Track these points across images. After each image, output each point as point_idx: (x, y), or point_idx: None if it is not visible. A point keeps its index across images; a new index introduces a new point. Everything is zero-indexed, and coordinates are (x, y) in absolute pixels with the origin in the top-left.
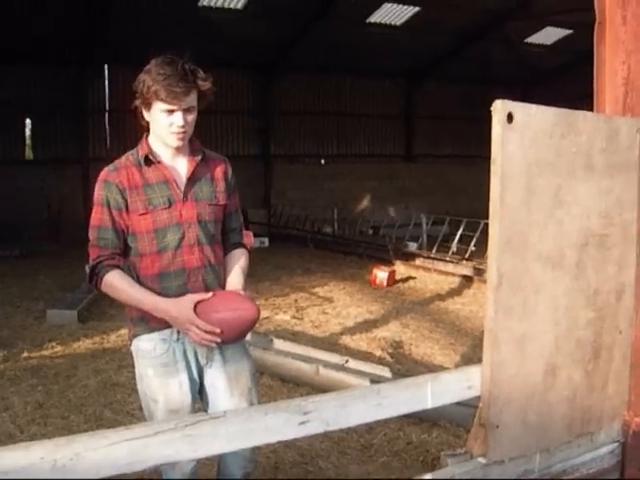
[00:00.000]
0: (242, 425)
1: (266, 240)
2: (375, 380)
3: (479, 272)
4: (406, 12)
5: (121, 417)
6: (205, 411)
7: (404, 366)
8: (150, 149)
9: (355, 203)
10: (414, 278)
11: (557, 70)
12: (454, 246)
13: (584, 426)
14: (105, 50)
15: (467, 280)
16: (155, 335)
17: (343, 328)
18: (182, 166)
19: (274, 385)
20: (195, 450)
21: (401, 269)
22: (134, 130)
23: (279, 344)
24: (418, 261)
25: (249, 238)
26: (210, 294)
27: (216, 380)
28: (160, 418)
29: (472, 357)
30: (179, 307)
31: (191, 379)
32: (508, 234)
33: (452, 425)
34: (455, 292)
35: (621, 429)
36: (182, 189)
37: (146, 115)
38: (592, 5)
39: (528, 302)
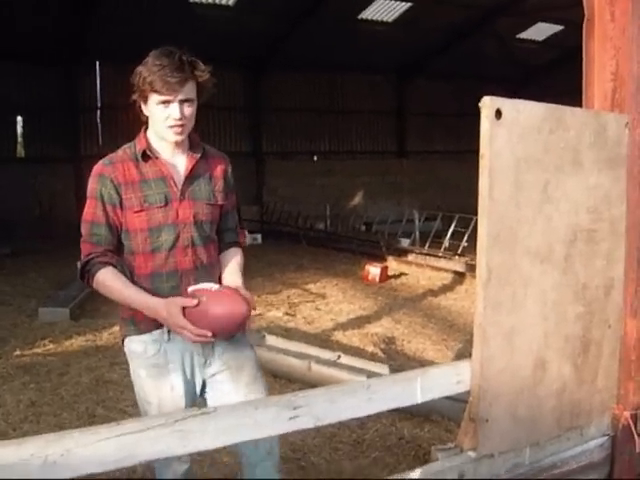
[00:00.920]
0: (232, 420)
1: (259, 237)
2: (369, 376)
3: (471, 268)
4: (398, 8)
5: (114, 414)
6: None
7: (396, 362)
8: (148, 144)
9: (347, 199)
10: (406, 274)
11: (548, 66)
12: (446, 242)
13: (574, 420)
14: (96, 47)
15: (459, 276)
16: (146, 337)
17: (335, 324)
18: (181, 163)
19: (267, 381)
20: (185, 445)
21: (393, 265)
22: (126, 127)
23: (271, 340)
24: (410, 257)
25: (242, 236)
26: (195, 301)
27: (218, 374)
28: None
29: (464, 352)
30: (168, 308)
31: (185, 380)
32: (497, 229)
33: (444, 420)
34: (447, 288)
35: (610, 423)
36: (179, 187)
37: (144, 109)
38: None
39: (517, 297)
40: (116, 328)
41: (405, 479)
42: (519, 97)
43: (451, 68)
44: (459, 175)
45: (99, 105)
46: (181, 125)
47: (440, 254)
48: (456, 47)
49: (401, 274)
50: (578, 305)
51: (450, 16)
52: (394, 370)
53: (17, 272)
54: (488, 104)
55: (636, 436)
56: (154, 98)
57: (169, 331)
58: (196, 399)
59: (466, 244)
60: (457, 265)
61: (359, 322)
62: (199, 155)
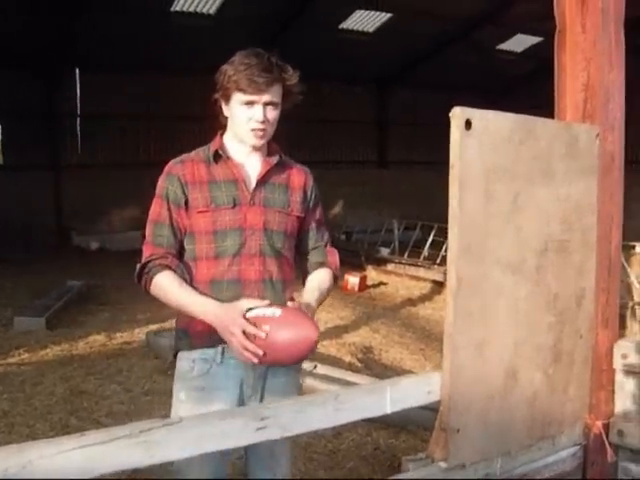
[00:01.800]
0: (198, 431)
1: None
2: (345, 386)
3: None
4: (378, 19)
5: (87, 424)
6: (245, 449)
7: (373, 371)
8: (222, 145)
9: (328, 209)
10: (385, 283)
11: (527, 76)
12: (425, 251)
13: (545, 429)
14: (76, 55)
15: (438, 285)
16: (196, 354)
17: None
18: (254, 167)
19: None
20: (151, 456)
21: (373, 274)
22: (106, 135)
23: None
24: (390, 266)
25: (333, 256)
26: (266, 302)
27: None
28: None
29: (442, 362)
30: (228, 309)
31: None
32: (467, 240)
33: (420, 429)
34: (426, 297)
35: (582, 432)
36: (250, 191)
37: (225, 109)
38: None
39: (488, 307)
40: (92, 337)
41: None
42: (498, 107)
43: (432, 78)
44: (439, 185)
45: (79, 113)
46: (263, 129)
47: (419, 263)
48: (436, 58)
49: (380, 283)
50: (549, 315)
51: (430, 27)
52: (371, 380)
53: None
54: (458, 114)
55: (608, 445)
56: (238, 97)
57: (223, 352)
58: None
59: (445, 254)
60: (436, 274)
61: (337, 331)
62: (275, 161)
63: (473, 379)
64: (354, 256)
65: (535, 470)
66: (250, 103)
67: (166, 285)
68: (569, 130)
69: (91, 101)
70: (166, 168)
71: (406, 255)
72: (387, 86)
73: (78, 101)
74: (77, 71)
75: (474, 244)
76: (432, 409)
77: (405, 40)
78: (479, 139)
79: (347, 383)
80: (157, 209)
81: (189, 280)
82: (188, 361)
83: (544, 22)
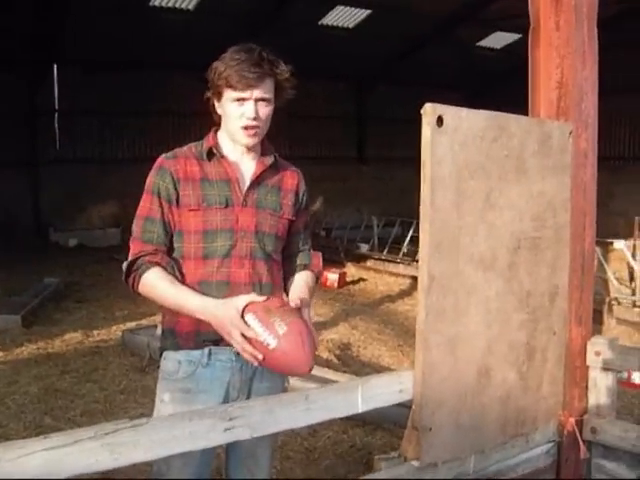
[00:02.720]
0: (165, 432)
1: None
2: (322, 384)
3: None
4: (358, 15)
5: (62, 424)
6: (227, 450)
7: (351, 368)
8: (216, 142)
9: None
10: (365, 280)
11: (506, 73)
12: (405, 248)
13: (519, 427)
14: (54, 50)
15: (417, 281)
16: (182, 355)
17: None
18: (248, 167)
19: None
20: (116, 459)
21: (352, 271)
22: (85, 131)
23: None
24: (369, 263)
25: (317, 259)
26: (263, 297)
27: None
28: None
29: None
30: (226, 307)
31: None
32: (439, 237)
33: (396, 427)
34: (405, 293)
35: (556, 429)
36: (243, 192)
37: (217, 106)
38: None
39: (460, 305)
40: (68, 335)
41: None
42: (479, 104)
43: (411, 75)
44: (419, 182)
45: (57, 109)
46: (255, 126)
47: (398, 260)
48: (416, 54)
49: (359, 280)
50: (522, 312)
51: (409, 23)
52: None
53: None
54: (429, 111)
55: (581, 442)
56: (229, 94)
57: (210, 353)
58: None
59: None
60: (415, 271)
61: (315, 328)
62: (270, 162)
63: (445, 377)
64: (333, 252)
65: (509, 468)
66: (241, 100)
67: (156, 283)
68: (542, 127)
69: (69, 97)
70: (157, 162)
71: (385, 251)
72: (367, 82)
73: (56, 97)
74: (55, 67)
75: (446, 241)
76: (409, 406)
77: (385, 36)
78: (451, 136)
79: (324, 381)
80: (147, 204)
81: (180, 277)
82: (174, 362)
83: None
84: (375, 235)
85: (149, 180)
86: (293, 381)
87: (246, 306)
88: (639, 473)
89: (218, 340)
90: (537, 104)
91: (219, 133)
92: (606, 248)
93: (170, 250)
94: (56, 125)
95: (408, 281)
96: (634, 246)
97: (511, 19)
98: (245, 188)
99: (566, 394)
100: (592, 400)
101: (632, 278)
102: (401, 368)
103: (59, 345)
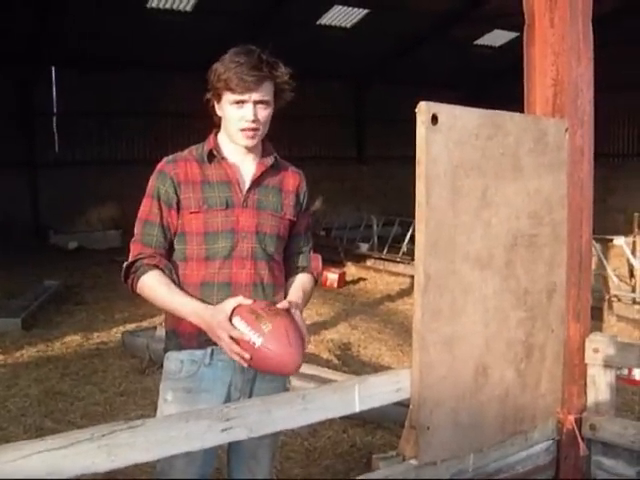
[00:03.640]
0: (161, 433)
1: None
2: (321, 383)
3: None
4: (355, 14)
5: (62, 426)
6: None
7: (351, 368)
8: (216, 145)
9: None
10: (365, 279)
11: (504, 72)
12: (404, 247)
13: (517, 425)
14: (53, 52)
15: None
16: (185, 354)
17: None
18: (249, 168)
19: None
20: (113, 460)
21: (352, 270)
22: (84, 133)
23: None
24: (369, 262)
25: (317, 262)
26: (250, 300)
27: None
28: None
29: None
30: (215, 312)
31: None
32: (435, 236)
33: (396, 426)
34: (405, 293)
35: (555, 427)
36: (244, 193)
37: (217, 108)
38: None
39: (456, 303)
40: (69, 338)
41: None
42: (476, 103)
43: (409, 74)
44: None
45: (55, 111)
46: (254, 129)
47: (398, 259)
48: (414, 53)
49: (359, 279)
50: (520, 310)
51: (407, 22)
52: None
53: None
54: (424, 109)
55: (580, 440)
56: (228, 97)
57: (212, 353)
58: None
59: None
60: (415, 271)
61: (315, 328)
62: (270, 163)
63: (443, 376)
64: (333, 252)
65: (508, 466)
66: (240, 102)
67: (153, 285)
68: (538, 124)
69: (68, 98)
70: (158, 166)
71: (385, 251)
72: (365, 81)
73: (54, 99)
74: (53, 69)
75: (442, 240)
76: (407, 405)
77: (382, 36)
78: (446, 134)
79: (323, 380)
80: (147, 208)
81: (178, 280)
82: (176, 361)
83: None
84: (375, 234)
85: (150, 184)
86: (294, 381)
87: (234, 309)
88: (638, 470)
89: None
90: (533, 101)
91: (219, 135)
92: (606, 245)
93: (170, 252)
94: (54, 127)
95: (408, 280)
96: (634, 243)
97: (509, 17)
98: (245, 189)
99: (565, 391)
100: (591, 397)
101: (632, 275)
102: (400, 367)
103: (59, 347)
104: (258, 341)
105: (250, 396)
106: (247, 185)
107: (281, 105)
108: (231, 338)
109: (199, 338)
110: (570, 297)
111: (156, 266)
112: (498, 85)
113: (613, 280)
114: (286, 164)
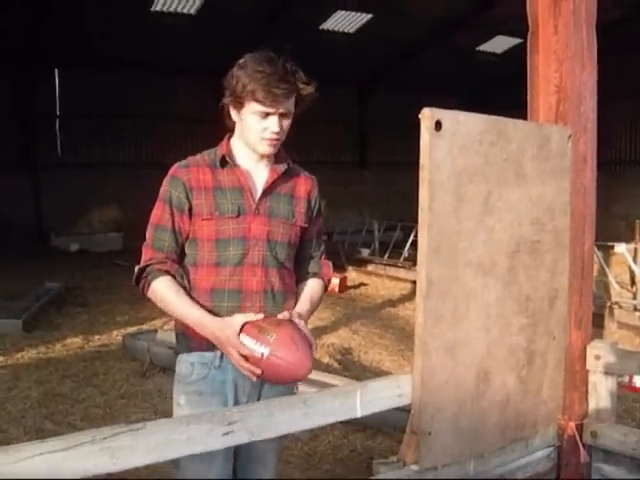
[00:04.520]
0: (163, 436)
1: None
2: (322, 388)
3: None
4: (359, 19)
5: (62, 428)
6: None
7: (351, 372)
8: (229, 150)
9: None
10: (366, 284)
11: (507, 78)
12: (406, 252)
13: (519, 431)
14: (56, 54)
15: None
16: (195, 356)
17: None
18: (261, 175)
19: None
20: (115, 463)
21: (353, 275)
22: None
23: None
24: (370, 267)
25: (327, 268)
26: (261, 316)
27: None
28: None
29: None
30: (223, 326)
31: None
32: (437, 242)
33: (397, 431)
34: (406, 298)
35: (556, 433)
36: (256, 200)
37: (234, 115)
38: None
39: (458, 309)
40: (69, 340)
41: None
42: (479, 109)
43: (412, 80)
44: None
45: (58, 113)
46: (277, 139)
47: (399, 264)
48: (416, 59)
49: (360, 284)
50: (522, 317)
51: (410, 28)
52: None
53: None
54: (428, 115)
55: (581, 446)
56: (252, 107)
57: (222, 356)
58: None
59: None
60: (416, 275)
61: (316, 333)
62: (282, 170)
63: (444, 382)
64: (335, 257)
65: (509, 472)
66: (265, 114)
67: (163, 292)
68: (541, 131)
69: (70, 100)
70: (170, 171)
71: (386, 256)
72: (368, 87)
73: (57, 100)
74: (56, 71)
75: (444, 246)
76: (408, 411)
77: (385, 41)
78: (449, 140)
79: (324, 385)
80: (159, 212)
81: (188, 286)
82: (187, 364)
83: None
84: (376, 239)
85: (162, 189)
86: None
87: (243, 326)
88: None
89: None
90: (536, 108)
91: (232, 140)
92: (607, 252)
93: (181, 257)
94: (57, 128)
95: (409, 285)
96: (635, 250)
97: (512, 23)
98: (257, 196)
99: (566, 398)
100: (592, 404)
101: (633, 282)
102: (401, 372)
103: (60, 350)
104: (266, 351)
105: (258, 399)
106: (259, 192)
107: (300, 112)
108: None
109: (209, 340)
110: (572, 304)
111: (167, 272)
112: (501, 91)
113: (614, 287)
114: (299, 169)
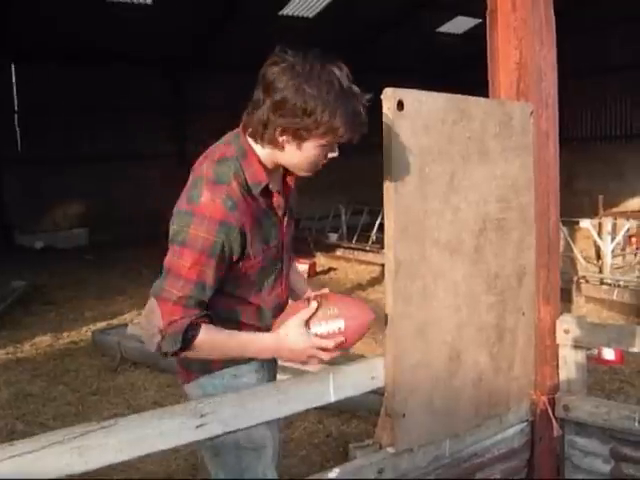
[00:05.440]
0: (135, 432)
1: None
2: (295, 375)
3: None
4: (318, 4)
5: (34, 429)
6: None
7: None
8: (265, 176)
9: None
10: (335, 269)
11: (468, 58)
12: (373, 235)
13: (492, 408)
14: (10, 47)
15: None
16: (217, 377)
17: None
18: (279, 186)
19: None
20: (87, 462)
21: (322, 260)
22: (46, 130)
23: None
24: (339, 252)
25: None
26: (314, 304)
27: None
28: (268, 468)
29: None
30: (291, 334)
31: None
32: (404, 222)
33: (371, 414)
34: (375, 281)
35: (529, 408)
36: (284, 219)
37: (286, 140)
38: None
39: (427, 289)
40: (38, 339)
41: (322, 479)
42: (442, 89)
43: (375, 62)
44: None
45: (16, 108)
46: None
47: (368, 248)
48: (378, 41)
49: (330, 269)
50: (490, 294)
51: (370, 11)
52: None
53: None
54: (389, 95)
55: (554, 420)
56: (323, 140)
57: (240, 364)
58: None
59: None
60: (384, 258)
61: None
62: (293, 181)
63: (416, 363)
64: (302, 243)
65: (484, 449)
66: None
67: (212, 340)
68: (503, 108)
69: (29, 95)
70: (216, 213)
71: (354, 240)
72: None
73: (15, 95)
74: (12, 65)
75: (411, 226)
76: (382, 394)
77: (345, 25)
78: (412, 120)
79: (297, 372)
80: (199, 268)
81: (235, 322)
82: (250, 374)
83: (483, 3)
84: (344, 224)
85: (206, 237)
86: None
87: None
88: (611, 447)
89: None
90: (497, 86)
91: (253, 157)
92: (572, 227)
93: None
94: (16, 124)
95: (378, 269)
96: (599, 224)
97: (471, 3)
98: (281, 213)
99: (537, 373)
100: (563, 378)
101: (599, 256)
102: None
103: (28, 349)
104: (340, 323)
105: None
106: (282, 204)
107: None
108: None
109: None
110: (540, 279)
111: (202, 322)
112: (464, 72)
113: (581, 262)
114: None
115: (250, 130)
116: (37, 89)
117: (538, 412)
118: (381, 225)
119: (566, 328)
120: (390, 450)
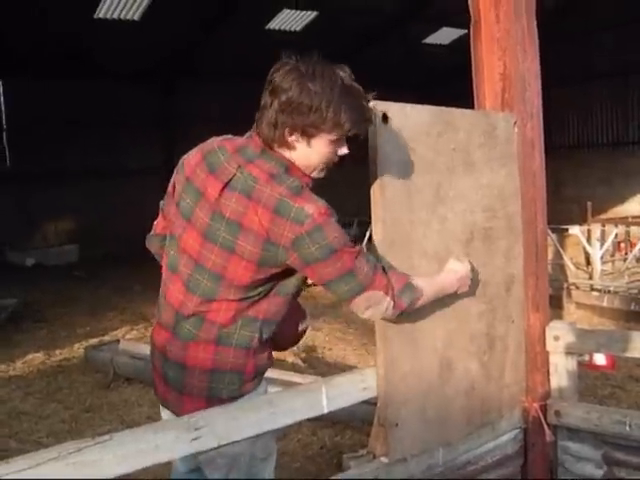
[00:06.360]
0: (130, 447)
1: None
2: (288, 387)
3: None
4: (304, 17)
5: (28, 447)
6: None
7: (317, 370)
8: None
9: None
10: None
11: (454, 69)
12: (364, 247)
13: (484, 416)
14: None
15: None
16: (264, 380)
17: None
18: None
19: None
20: (84, 476)
21: None
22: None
23: None
24: None
25: None
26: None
27: None
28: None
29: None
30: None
31: None
32: (392, 233)
33: (364, 425)
34: None
35: (521, 415)
36: None
37: (295, 139)
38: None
39: None
40: (30, 356)
41: None
42: (429, 101)
43: (362, 74)
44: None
45: (5, 126)
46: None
47: None
48: (364, 54)
49: None
50: (480, 303)
51: (356, 23)
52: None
53: None
54: (374, 108)
55: (546, 426)
56: (333, 136)
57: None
58: None
59: None
60: None
61: None
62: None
63: (408, 372)
64: None
65: (478, 457)
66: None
67: (424, 282)
68: (487, 119)
69: (17, 111)
70: (327, 212)
71: None
72: None
73: (3, 111)
74: (0, 82)
75: (399, 238)
76: (375, 404)
77: (332, 37)
78: (397, 132)
79: (290, 384)
80: (356, 252)
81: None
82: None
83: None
84: None
85: (341, 233)
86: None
87: None
88: (603, 452)
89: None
90: (482, 97)
91: (293, 165)
92: (562, 234)
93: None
94: (4, 140)
95: None
96: (588, 231)
97: (457, 14)
98: None
99: (528, 380)
100: (554, 384)
101: (588, 263)
102: (365, 366)
103: (21, 367)
104: None
105: None
106: None
107: None
108: None
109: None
110: (528, 287)
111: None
112: (451, 82)
113: (570, 268)
114: None
115: (263, 136)
116: (25, 104)
117: (530, 419)
118: (371, 237)
119: (556, 335)
120: (384, 460)
